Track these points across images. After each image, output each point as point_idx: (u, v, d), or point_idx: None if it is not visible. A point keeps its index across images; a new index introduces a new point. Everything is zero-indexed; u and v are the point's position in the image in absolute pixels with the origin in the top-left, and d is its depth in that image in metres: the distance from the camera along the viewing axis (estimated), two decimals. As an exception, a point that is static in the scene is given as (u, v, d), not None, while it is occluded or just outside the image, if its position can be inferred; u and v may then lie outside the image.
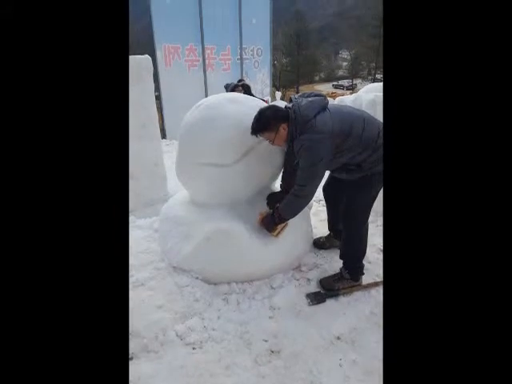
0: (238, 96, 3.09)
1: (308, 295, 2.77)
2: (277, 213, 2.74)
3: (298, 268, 3.09)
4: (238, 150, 2.81)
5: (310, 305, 2.69)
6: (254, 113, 2.53)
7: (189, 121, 2.97)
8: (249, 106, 2.85)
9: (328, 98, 2.65)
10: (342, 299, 2.75)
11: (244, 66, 13.01)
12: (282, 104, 2.84)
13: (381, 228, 3.72)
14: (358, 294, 2.79)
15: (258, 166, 2.90)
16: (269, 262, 2.90)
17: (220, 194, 3.01)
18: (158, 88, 10.43)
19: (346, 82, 50.73)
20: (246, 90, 4.83)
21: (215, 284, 2.84)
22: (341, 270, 2.89)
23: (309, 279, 2.96)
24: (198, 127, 2.87)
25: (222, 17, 11.85)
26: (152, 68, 4.39)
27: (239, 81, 5.04)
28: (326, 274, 2.97)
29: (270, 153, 2.89)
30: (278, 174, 3.19)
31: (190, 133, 2.93)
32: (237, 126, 2.74)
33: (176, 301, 2.67)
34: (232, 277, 2.86)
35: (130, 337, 2.33)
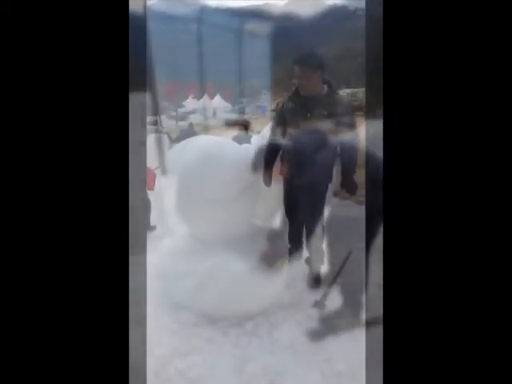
0: (238, 133, 3.14)
1: (308, 331, 2.76)
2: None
3: (298, 304, 3.08)
4: (238, 185, 2.84)
5: (310, 341, 2.67)
6: (254, 150, 2.58)
7: (189, 157, 3.01)
8: (248, 144, 2.88)
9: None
10: (343, 335, 2.73)
11: (244, 102, 13.20)
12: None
13: (381, 265, 3.71)
14: (358, 331, 2.78)
15: (257, 202, 2.92)
16: (269, 297, 2.90)
17: (220, 230, 3.02)
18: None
19: (345, 120, 50.98)
20: (246, 126, 4.91)
21: (215, 320, 2.83)
22: (341, 306, 2.88)
23: (309, 315, 2.95)
24: (198, 163, 2.91)
25: (222, 54, 12.09)
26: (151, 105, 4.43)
27: (239, 117, 5.13)
28: (327, 311, 2.97)
29: (268, 189, 2.93)
30: (277, 211, 3.21)
31: (190, 169, 2.97)
32: (237, 163, 2.78)
33: (176, 337, 2.66)
34: (232, 312, 2.84)
35: (130, 373, 2.31)
